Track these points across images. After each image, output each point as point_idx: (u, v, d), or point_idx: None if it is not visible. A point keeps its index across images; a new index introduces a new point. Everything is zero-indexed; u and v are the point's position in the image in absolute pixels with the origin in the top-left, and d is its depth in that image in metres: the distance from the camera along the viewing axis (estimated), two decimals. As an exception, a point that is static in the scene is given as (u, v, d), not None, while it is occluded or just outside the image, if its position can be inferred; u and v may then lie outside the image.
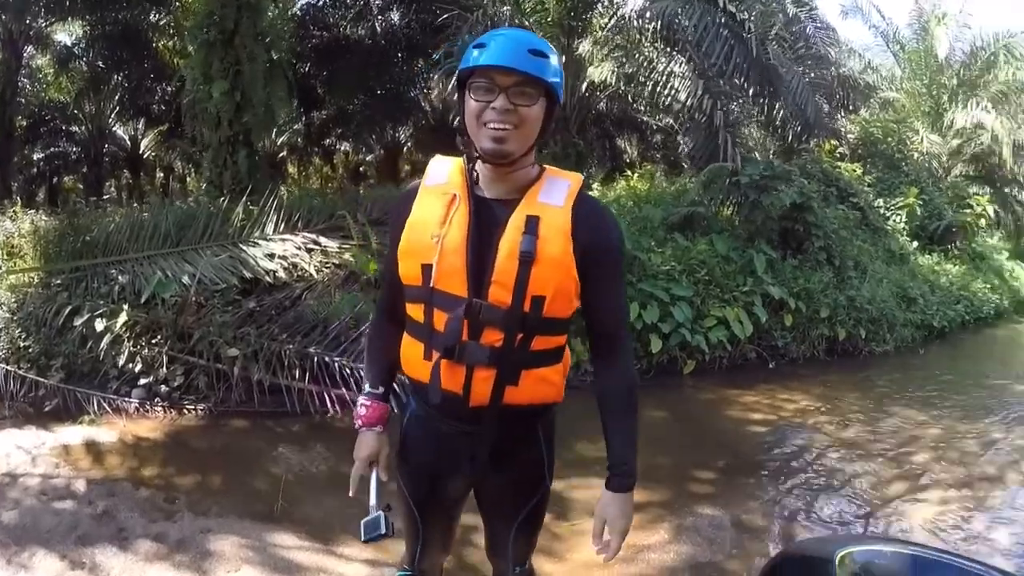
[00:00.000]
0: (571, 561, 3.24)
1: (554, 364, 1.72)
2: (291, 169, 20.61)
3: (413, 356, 1.72)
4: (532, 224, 1.61)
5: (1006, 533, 3.99)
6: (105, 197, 14.00)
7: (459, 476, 1.85)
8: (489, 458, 1.75)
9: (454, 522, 2.04)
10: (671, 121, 13.87)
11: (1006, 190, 17.83)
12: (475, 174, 1.66)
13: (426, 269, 1.64)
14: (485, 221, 1.64)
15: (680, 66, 10.70)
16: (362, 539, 1.79)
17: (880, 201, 12.91)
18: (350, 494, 1.87)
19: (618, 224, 1.76)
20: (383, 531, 1.78)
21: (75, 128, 17.68)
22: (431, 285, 1.63)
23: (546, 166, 1.73)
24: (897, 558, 2.74)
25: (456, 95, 1.70)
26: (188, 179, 20.37)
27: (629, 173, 13.06)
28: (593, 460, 4.23)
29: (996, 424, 6.17)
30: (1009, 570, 3.07)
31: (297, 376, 5.18)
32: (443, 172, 1.72)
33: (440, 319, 1.64)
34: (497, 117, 1.55)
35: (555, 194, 1.66)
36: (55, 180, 19.51)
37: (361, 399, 1.89)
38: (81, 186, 19.43)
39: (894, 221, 12.56)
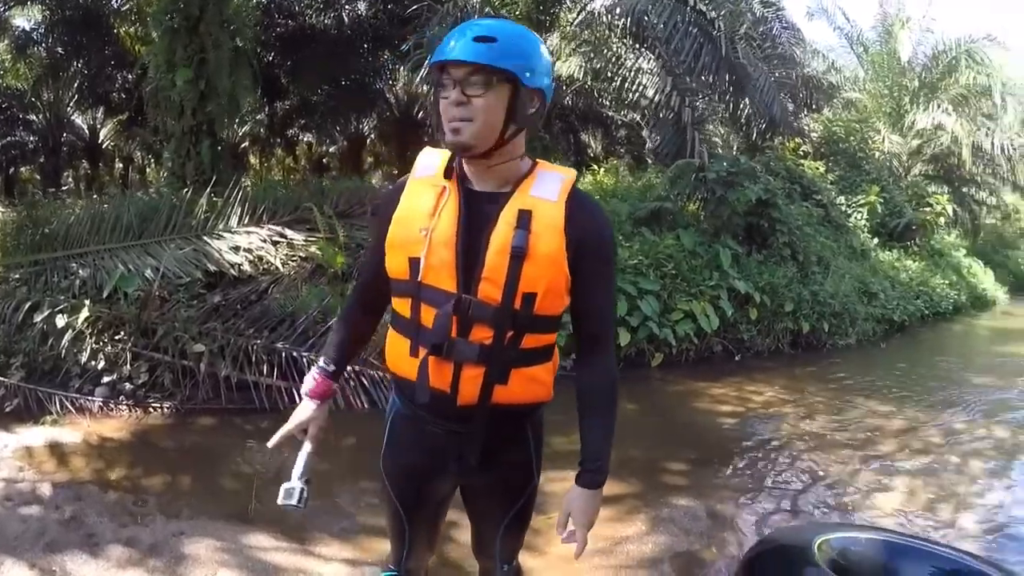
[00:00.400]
0: (549, 554, 3.24)
1: (544, 363, 1.69)
2: (252, 160, 20.27)
3: (399, 352, 1.69)
4: (524, 219, 1.57)
5: (971, 519, 4.13)
6: (64, 188, 13.58)
7: (446, 476, 1.82)
8: (478, 458, 1.72)
9: (440, 521, 2.02)
10: (635, 116, 13.94)
11: (964, 189, 18.33)
12: (461, 167, 1.63)
13: (413, 263, 1.60)
14: (475, 214, 1.60)
15: (649, 63, 10.75)
16: (278, 502, 1.78)
17: (842, 199, 13.19)
18: (268, 445, 1.85)
19: (610, 221, 1.74)
20: (295, 502, 1.77)
21: (33, 117, 17.11)
22: (419, 279, 1.60)
23: (538, 160, 1.70)
24: (872, 544, 2.84)
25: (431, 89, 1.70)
26: (148, 170, 19.95)
27: (595, 167, 13.13)
28: (569, 453, 4.20)
29: (957, 415, 6.37)
30: (975, 552, 3.18)
31: (265, 372, 5.10)
32: (433, 164, 1.68)
33: (428, 315, 1.60)
34: (451, 110, 1.53)
35: (548, 188, 1.62)
36: (11, 170, 18.88)
37: (313, 371, 1.89)
38: (38, 177, 18.85)
39: (856, 218, 12.85)
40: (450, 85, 1.53)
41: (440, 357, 1.60)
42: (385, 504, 1.94)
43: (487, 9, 9.80)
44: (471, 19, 8.53)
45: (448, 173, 1.64)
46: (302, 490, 1.77)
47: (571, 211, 1.60)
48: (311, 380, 1.87)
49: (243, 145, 18.63)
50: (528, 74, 1.53)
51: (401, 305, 1.67)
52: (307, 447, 1.85)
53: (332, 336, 1.95)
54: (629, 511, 3.86)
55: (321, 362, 1.88)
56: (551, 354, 1.71)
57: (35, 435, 4.49)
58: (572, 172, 1.69)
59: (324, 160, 21.66)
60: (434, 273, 1.59)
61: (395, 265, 1.65)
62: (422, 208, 1.62)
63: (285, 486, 1.78)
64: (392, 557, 2.03)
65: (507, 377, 1.62)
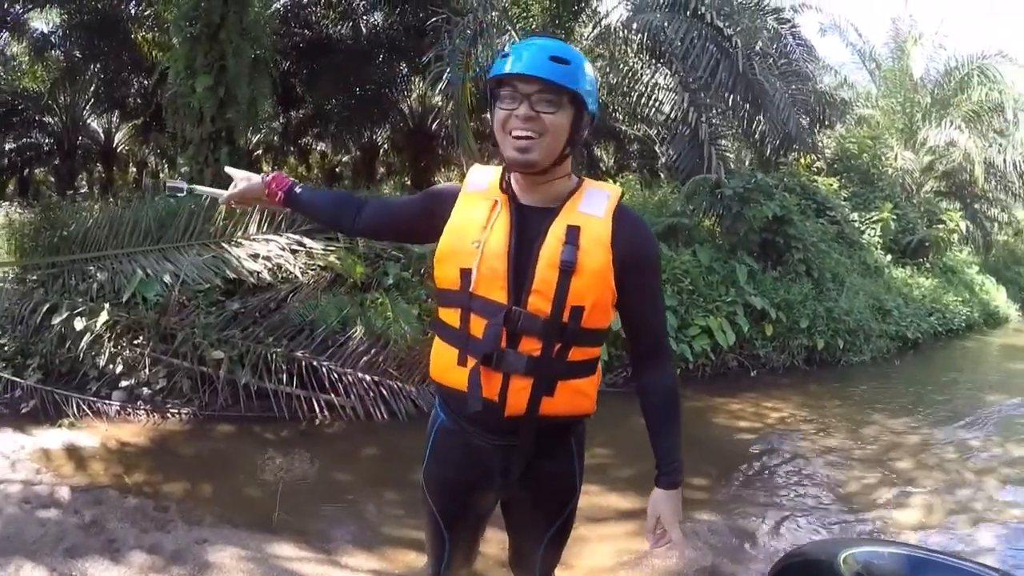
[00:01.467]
0: (577, 568, 3.24)
1: (590, 376, 1.70)
2: (266, 168, 20.36)
3: (445, 362, 1.70)
4: (573, 234, 1.61)
5: (989, 534, 4.12)
6: (82, 191, 13.62)
7: (490, 490, 1.83)
8: (522, 471, 1.74)
9: (480, 535, 2.02)
10: (648, 130, 13.96)
11: (976, 206, 18.21)
12: (512, 182, 1.67)
13: (465, 274, 1.63)
14: (525, 228, 1.63)
15: (665, 78, 10.78)
16: (165, 190, 2.21)
17: (855, 215, 13.13)
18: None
19: (654, 235, 1.78)
20: (181, 185, 2.18)
21: (49, 119, 17.20)
22: (470, 290, 1.62)
23: (584, 177, 1.74)
24: (896, 558, 2.81)
25: (488, 106, 1.70)
26: (161, 175, 20.04)
27: (610, 181, 13.12)
28: (589, 468, 4.22)
29: (971, 432, 6.34)
30: (997, 566, 3.16)
31: (284, 380, 5.08)
32: (484, 180, 1.72)
33: (478, 325, 1.62)
34: (520, 125, 1.56)
35: (595, 205, 1.65)
36: (26, 172, 18.99)
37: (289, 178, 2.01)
38: (53, 179, 18.98)
39: (869, 235, 12.79)
40: (518, 99, 1.56)
41: (489, 367, 1.61)
42: (425, 517, 1.94)
43: (503, 23, 9.85)
44: (492, 32, 8.62)
45: (501, 186, 1.68)
46: (190, 189, 2.18)
47: (617, 227, 1.64)
48: (281, 175, 2.01)
49: (257, 152, 18.70)
50: (590, 100, 1.61)
51: (449, 315, 1.69)
52: (226, 192, 2.02)
53: (326, 192, 2.14)
54: (652, 525, 3.84)
55: (299, 184, 2.00)
56: (595, 367, 1.73)
57: (52, 437, 4.48)
58: (618, 189, 1.74)
59: (337, 169, 21.73)
60: (486, 284, 1.61)
61: (446, 275, 1.67)
62: (474, 221, 1.65)
63: (176, 185, 2.20)
64: (429, 571, 2.01)
65: (554, 389, 1.64)
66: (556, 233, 1.61)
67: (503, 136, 1.59)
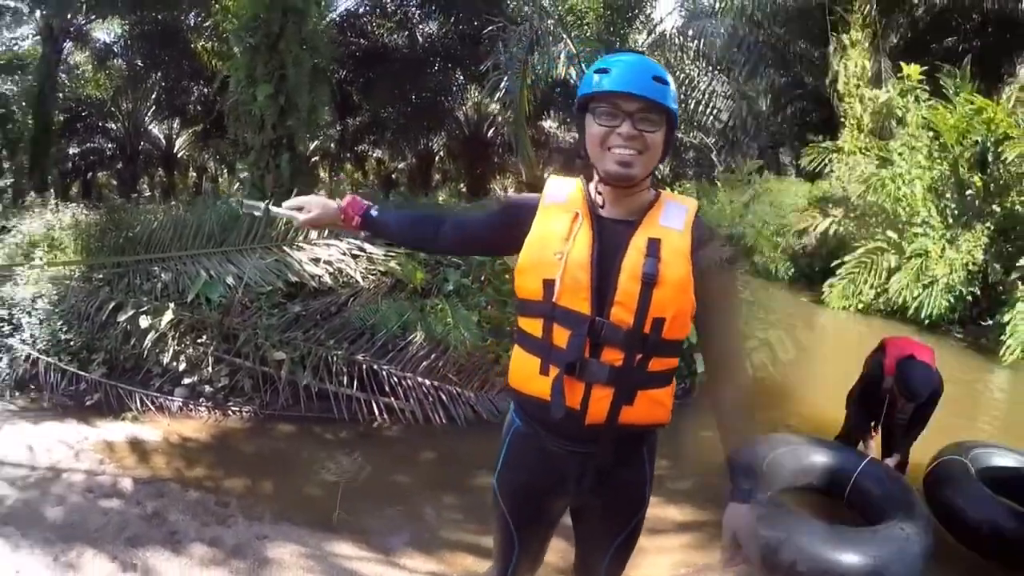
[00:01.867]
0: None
1: (667, 386, 1.71)
2: (322, 174, 20.67)
3: (527, 371, 1.70)
4: (654, 246, 1.62)
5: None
6: (144, 194, 14.06)
7: (564, 496, 1.83)
8: (596, 479, 1.74)
9: (548, 541, 2.02)
10: (704, 138, 13.82)
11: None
12: (597, 195, 1.69)
13: (548, 285, 1.64)
14: (606, 240, 1.65)
15: (722, 85, 10.67)
16: (242, 208, 2.28)
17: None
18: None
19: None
20: (258, 204, 2.26)
21: (111, 125, 17.88)
22: (553, 300, 1.63)
23: (661, 190, 1.76)
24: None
25: (575, 118, 1.72)
26: (220, 179, 20.55)
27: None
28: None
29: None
30: None
31: (345, 383, 5.11)
32: (563, 192, 1.74)
33: (560, 335, 1.64)
34: (623, 143, 1.59)
35: (674, 218, 1.67)
36: (89, 175, 19.68)
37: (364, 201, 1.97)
38: (115, 182, 19.65)
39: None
40: (620, 117, 1.58)
41: (572, 377, 1.62)
42: (496, 521, 1.94)
43: (559, 31, 9.85)
44: (548, 40, 8.61)
45: (584, 199, 1.71)
46: (267, 209, 2.21)
47: (697, 239, 1.66)
48: (357, 199, 1.96)
49: (314, 159, 19.07)
50: (677, 118, 1.67)
51: (531, 325, 1.70)
52: (300, 216, 2.00)
53: (408, 210, 2.13)
54: (711, 538, 3.73)
55: (375, 207, 1.97)
56: (672, 378, 1.73)
57: (115, 430, 4.57)
58: (695, 202, 1.76)
59: (393, 176, 22.00)
60: (569, 295, 1.62)
61: (528, 286, 1.68)
62: (556, 232, 1.67)
63: (253, 203, 2.27)
64: (494, 574, 2.00)
65: (634, 399, 1.65)
66: (637, 245, 1.63)
67: (601, 151, 1.61)
